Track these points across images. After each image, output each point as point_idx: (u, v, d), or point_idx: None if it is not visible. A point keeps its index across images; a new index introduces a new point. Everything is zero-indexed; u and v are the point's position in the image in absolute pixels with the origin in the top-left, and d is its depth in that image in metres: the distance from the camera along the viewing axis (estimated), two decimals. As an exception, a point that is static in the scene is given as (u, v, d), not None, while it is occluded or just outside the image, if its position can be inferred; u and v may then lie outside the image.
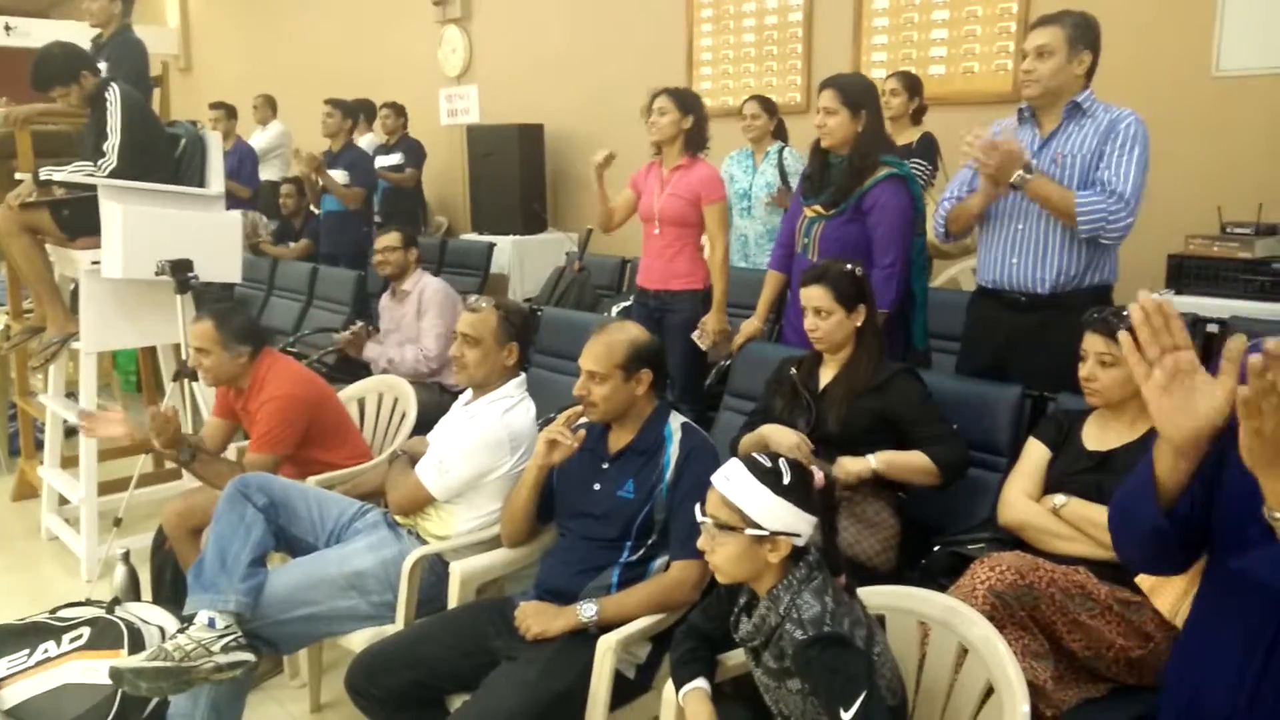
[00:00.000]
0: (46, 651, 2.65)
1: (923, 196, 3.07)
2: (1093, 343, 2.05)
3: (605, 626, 1.99)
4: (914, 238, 2.96)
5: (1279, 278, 3.14)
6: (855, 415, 2.34)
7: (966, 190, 2.81)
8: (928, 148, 4.07)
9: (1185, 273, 3.34)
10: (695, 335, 3.47)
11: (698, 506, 1.61)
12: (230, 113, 6.73)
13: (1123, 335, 1.10)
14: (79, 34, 4.10)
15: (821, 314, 2.39)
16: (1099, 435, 2.11)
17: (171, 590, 2.97)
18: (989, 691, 1.59)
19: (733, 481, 1.57)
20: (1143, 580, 1.31)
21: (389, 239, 3.99)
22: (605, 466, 2.20)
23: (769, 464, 1.56)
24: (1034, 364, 2.63)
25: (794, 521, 1.54)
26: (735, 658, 1.78)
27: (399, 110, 6.51)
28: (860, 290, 2.41)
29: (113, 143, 3.43)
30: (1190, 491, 1.18)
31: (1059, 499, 2.05)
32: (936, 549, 2.31)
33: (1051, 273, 2.62)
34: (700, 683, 1.68)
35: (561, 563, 2.18)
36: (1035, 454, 2.17)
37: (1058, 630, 1.84)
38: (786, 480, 1.55)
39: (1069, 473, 2.09)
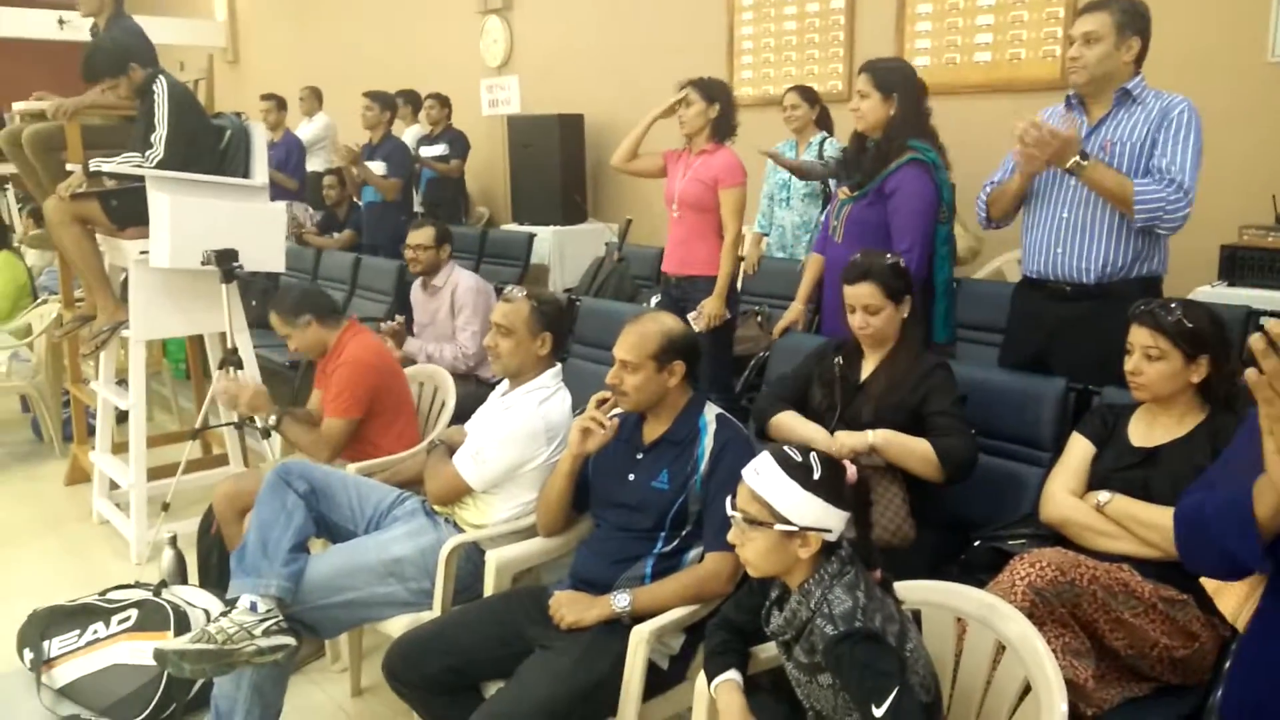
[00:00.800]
0: (96, 633, 2.73)
1: (951, 186, 3.00)
2: (1139, 335, 2.00)
3: (638, 617, 1.99)
4: (938, 226, 2.91)
5: (1336, 269, 3.05)
6: (890, 410, 2.31)
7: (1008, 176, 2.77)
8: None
9: (1239, 264, 3.25)
10: (692, 316, 3.46)
11: (729, 500, 1.60)
12: (280, 104, 6.83)
13: (1249, 372, 0.99)
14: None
15: (871, 310, 2.36)
16: (1145, 431, 2.06)
17: (217, 574, 3.03)
18: (1026, 689, 1.56)
19: (762, 476, 1.55)
20: (1207, 582, 1.27)
21: (421, 235, 3.99)
22: (640, 457, 2.20)
23: (799, 458, 1.55)
24: (1078, 357, 2.58)
25: (824, 517, 1.52)
26: (768, 650, 1.77)
27: (443, 101, 6.57)
28: (905, 281, 2.40)
29: (160, 134, 3.49)
30: None
31: (1103, 495, 2.01)
32: (976, 544, 2.29)
33: (1097, 263, 2.57)
34: (733, 674, 1.67)
35: (596, 553, 2.19)
36: (1079, 449, 2.13)
37: (1099, 628, 1.81)
38: (817, 475, 1.53)
39: (1114, 469, 2.05)
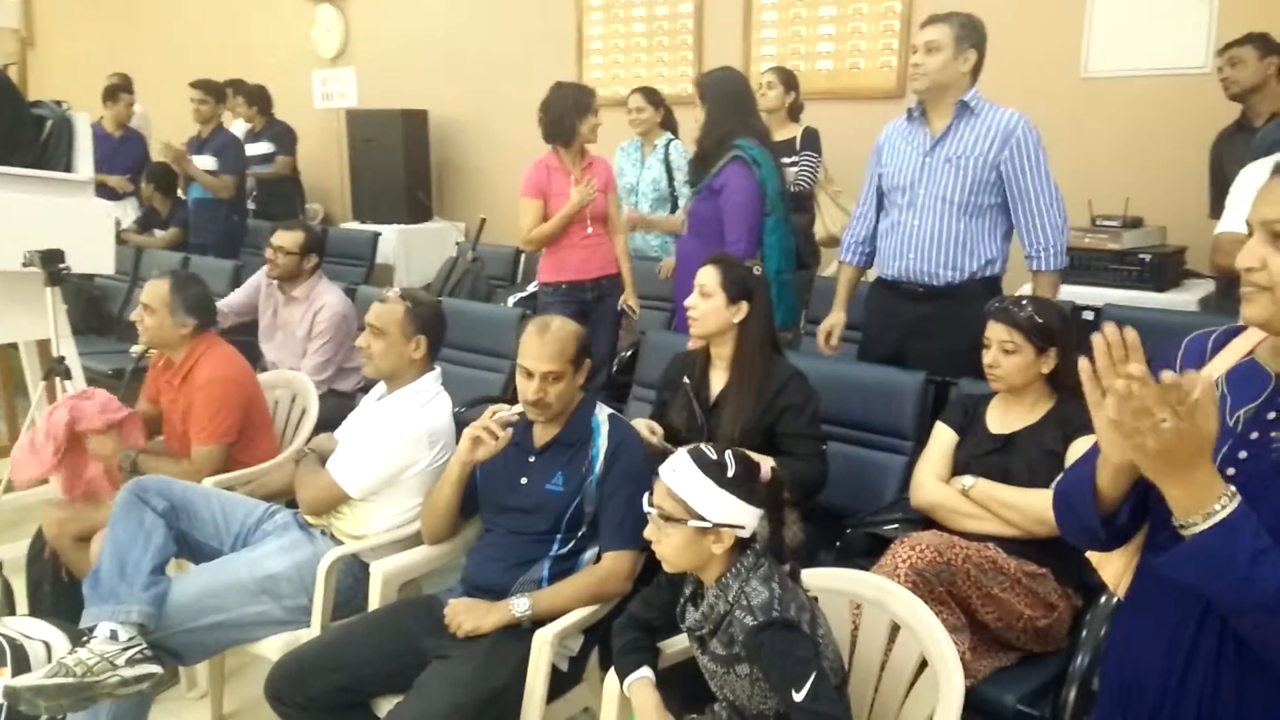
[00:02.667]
0: (-84, 674, 2.45)
1: (778, 178, 3.20)
2: (996, 331, 2.16)
3: (538, 621, 1.98)
4: (764, 218, 3.11)
5: (1144, 267, 3.38)
6: (745, 435, 2.30)
7: (869, 210, 2.94)
8: (813, 141, 4.18)
9: (1060, 263, 3.54)
10: (628, 310, 3.80)
11: (645, 497, 1.62)
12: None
13: (1082, 362, 1.07)
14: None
15: (703, 293, 2.37)
16: (1001, 418, 2.23)
17: (51, 602, 2.78)
18: (921, 666, 1.66)
19: (678, 473, 1.58)
20: (1092, 554, 1.38)
21: (287, 239, 3.63)
22: (532, 460, 2.17)
23: (714, 456, 1.58)
24: (931, 351, 2.76)
25: (738, 513, 1.56)
26: (675, 645, 1.80)
27: (253, 95, 6.13)
28: (745, 285, 2.37)
29: (-30, 123, 3.17)
30: (1130, 501, 1.22)
31: (968, 480, 2.15)
32: (850, 530, 2.41)
33: (949, 268, 2.76)
34: (645, 672, 1.70)
35: (489, 558, 2.16)
36: (943, 437, 2.28)
37: (973, 604, 1.95)
38: (731, 472, 1.57)
39: (975, 455, 2.20)
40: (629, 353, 3.92)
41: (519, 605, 2.00)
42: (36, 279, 3.24)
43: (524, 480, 2.16)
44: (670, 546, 1.59)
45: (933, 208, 2.74)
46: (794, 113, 4.28)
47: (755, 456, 1.70)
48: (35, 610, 2.84)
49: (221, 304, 3.74)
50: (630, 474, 2.07)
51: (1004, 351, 2.15)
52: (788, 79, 4.23)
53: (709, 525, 1.55)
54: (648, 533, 1.62)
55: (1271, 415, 1.14)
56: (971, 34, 2.69)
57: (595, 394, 2.26)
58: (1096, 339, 1.06)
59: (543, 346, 2.10)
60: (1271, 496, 1.09)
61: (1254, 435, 1.14)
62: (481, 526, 2.31)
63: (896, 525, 2.25)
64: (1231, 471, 1.13)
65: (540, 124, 3.67)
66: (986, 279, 2.78)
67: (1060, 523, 1.37)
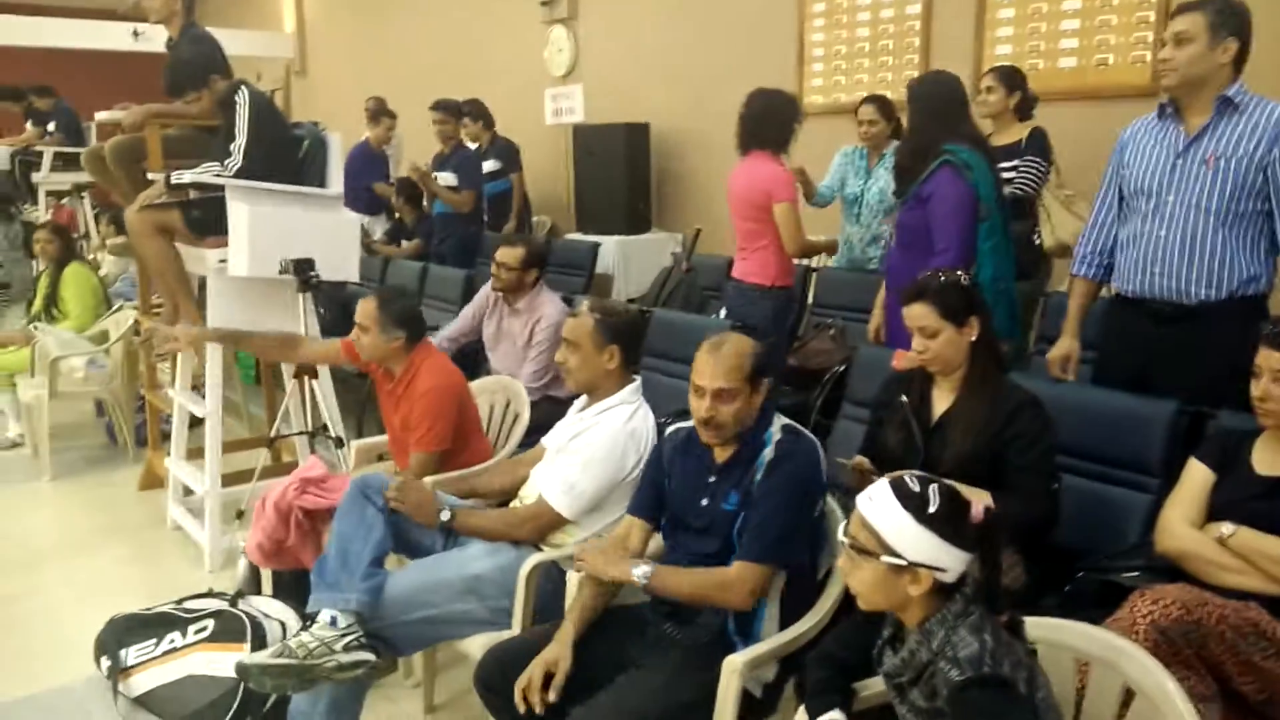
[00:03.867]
0: (173, 642, 2.72)
1: (993, 182, 2.99)
2: (1269, 359, 1.89)
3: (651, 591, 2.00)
4: (979, 224, 2.91)
5: None
6: (971, 461, 2.14)
7: (1109, 219, 2.66)
8: (1038, 143, 3.85)
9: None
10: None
11: (841, 526, 1.52)
12: (453, 112, 6.15)
13: None
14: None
15: (927, 332, 2.21)
16: (1272, 459, 1.94)
17: (291, 585, 3.02)
18: (1160, 739, 1.46)
19: (875, 503, 1.47)
20: None
21: (509, 255, 3.77)
22: (712, 479, 2.09)
23: (916, 488, 1.46)
24: (1179, 379, 2.45)
25: (938, 554, 1.43)
26: (872, 687, 1.68)
27: (475, 114, 6.30)
28: (969, 300, 2.21)
29: (239, 143, 3.51)
30: None
31: (1227, 527, 1.89)
32: (1081, 575, 2.18)
33: (1199, 285, 2.44)
34: (836, 715, 1.59)
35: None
36: (1198, 476, 2.01)
37: (1227, 671, 1.70)
38: (933, 509, 1.43)
39: (1237, 499, 1.93)
40: (842, 367, 3.78)
41: (639, 570, 1.99)
42: (291, 285, 3.55)
43: (704, 501, 2.08)
44: (861, 581, 1.48)
45: (1184, 216, 2.44)
46: (1023, 112, 3.96)
47: (968, 492, 1.55)
48: (277, 592, 3.09)
49: (440, 337, 3.95)
50: (786, 484, 1.96)
51: (1277, 382, 1.87)
52: (1010, 78, 3.92)
53: (904, 563, 1.43)
54: (840, 562, 1.52)
55: None
56: (1231, 20, 2.37)
57: (774, 408, 2.13)
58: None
59: (716, 363, 2.02)
60: None
61: None
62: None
63: (1138, 574, 2.00)
64: None
65: (760, 126, 3.61)
66: (1247, 298, 2.44)
67: None
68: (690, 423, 2.14)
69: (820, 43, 5.43)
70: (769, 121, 3.61)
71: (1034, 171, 3.77)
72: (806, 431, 2.10)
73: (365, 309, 2.96)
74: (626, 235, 6.22)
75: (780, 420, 2.10)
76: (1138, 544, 2.18)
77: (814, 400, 3.76)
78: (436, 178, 5.91)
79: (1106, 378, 2.69)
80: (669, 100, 6.36)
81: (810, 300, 4.49)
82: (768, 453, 2.02)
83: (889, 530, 1.45)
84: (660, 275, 5.11)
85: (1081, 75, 4.31)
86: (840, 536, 1.52)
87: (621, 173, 6.25)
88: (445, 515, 2.43)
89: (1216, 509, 1.96)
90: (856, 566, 1.49)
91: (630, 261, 6.14)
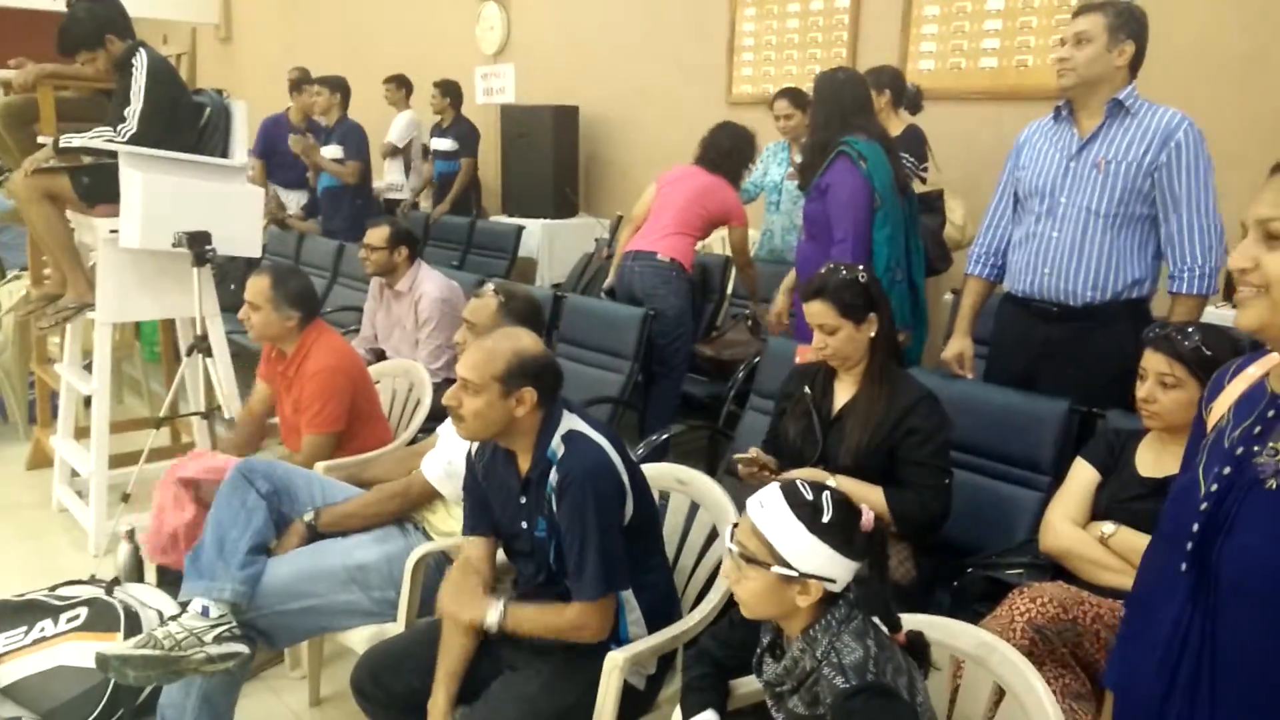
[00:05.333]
0: (43, 630, 2.59)
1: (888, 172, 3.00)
2: (1154, 361, 1.90)
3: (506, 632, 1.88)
4: (874, 214, 2.92)
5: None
6: (867, 454, 2.14)
7: (1003, 220, 2.68)
8: (908, 140, 3.88)
9: (1246, 285, 3.15)
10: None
11: (727, 530, 1.47)
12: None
13: None
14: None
15: (827, 329, 2.20)
16: (1154, 461, 1.96)
17: (177, 574, 2.89)
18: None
19: (766, 510, 1.41)
20: None
21: (375, 235, 3.71)
22: (523, 500, 1.94)
23: (809, 496, 1.41)
24: (1064, 378, 2.48)
25: (829, 565, 1.38)
26: (746, 686, 1.65)
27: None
28: (868, 297, 2.20)
29: (135, 108, 3.34)
30: None
31: (1108, 527, 1.91)
32: (969, 571, 2.19)
33: (1087, 286, 2.47)
34: (710, 715, 1.55)
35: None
36: (1083, 476, 2.03)
37: (1101, 669, 1.71)
38: (826, 518, 1.39)
39: (1120, 499, 1.95)
40: (758, 359, 3.77)
41: (492, 614, 1.87)
42: (188, 259, 3.40)
43: (522, 524, 1.94)
44: (749, 591, 1.42)
45: (1075, 218, 2.46)
46: (913, 109, 4.02)
47: (860, 491, 1.52)
48: (162, 580, 2.96)
49: (357, 344, 3.87)
50: (581, 508, 1.81)
51: (1162, 385, 1.89)
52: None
53: (795, 575, 1.38)
54: (725, 569, 1.46)
55: (1258, 430, 1.11)
56: (1129, 23, 2.39)
57: (556, 419, 1.91)
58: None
59: (471, 351, 1.89)
60: (1245, 511, 1.07)
61: (1239, 450, 1.12)
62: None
63: (1021, 571, 2.02)
64: (1214, 487, 1.11)
65: (724, 159, 3.91)
66: (1132, 301, 2.47)
67: None
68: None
69: (751, 33, 5.40)
70: (734, 157, 3.93)
71: (910, 169, 3.82)
72: (586, 430, 1.91)
73: (258, 286, 2.85)
74: (553, 219, 6.14)
75: (563, 428, 1.91)
76: (1025, 541, 2.20)
77: (727, 391, 3.74)
78: (321, 151, 5.85)
79: (996, 375, 2.71)
80: (599, 84, 6.28)
81: (729, 291, 4.47)
82: (553, 476, 1.86)
83: (780, 540, 1.39)
84: (581, 260, 5.04)
85: (1002, 75, 4.34)
86: (727, 544, 1.46)
87: (549, 156, 6.15)
88: (309, 516, 2.34)
89: (1100, 508, 1.98)
90: (744, 575, 1.43)
91: (555, 246, 6.06)
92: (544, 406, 1.90)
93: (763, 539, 1.40)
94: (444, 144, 6.33)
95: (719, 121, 4.04)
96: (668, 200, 3.91)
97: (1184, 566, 1.11)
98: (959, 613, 1.87)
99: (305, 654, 2.68)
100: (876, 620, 1.43)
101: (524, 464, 1.94)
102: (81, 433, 3.88)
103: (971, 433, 2.40)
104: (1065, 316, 2.51)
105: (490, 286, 2.45)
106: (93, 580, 2.79)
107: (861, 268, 2.25)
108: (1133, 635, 1.27)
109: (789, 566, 1.37)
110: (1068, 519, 1.98)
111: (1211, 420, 1.21)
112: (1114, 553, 1.88)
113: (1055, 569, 1.98)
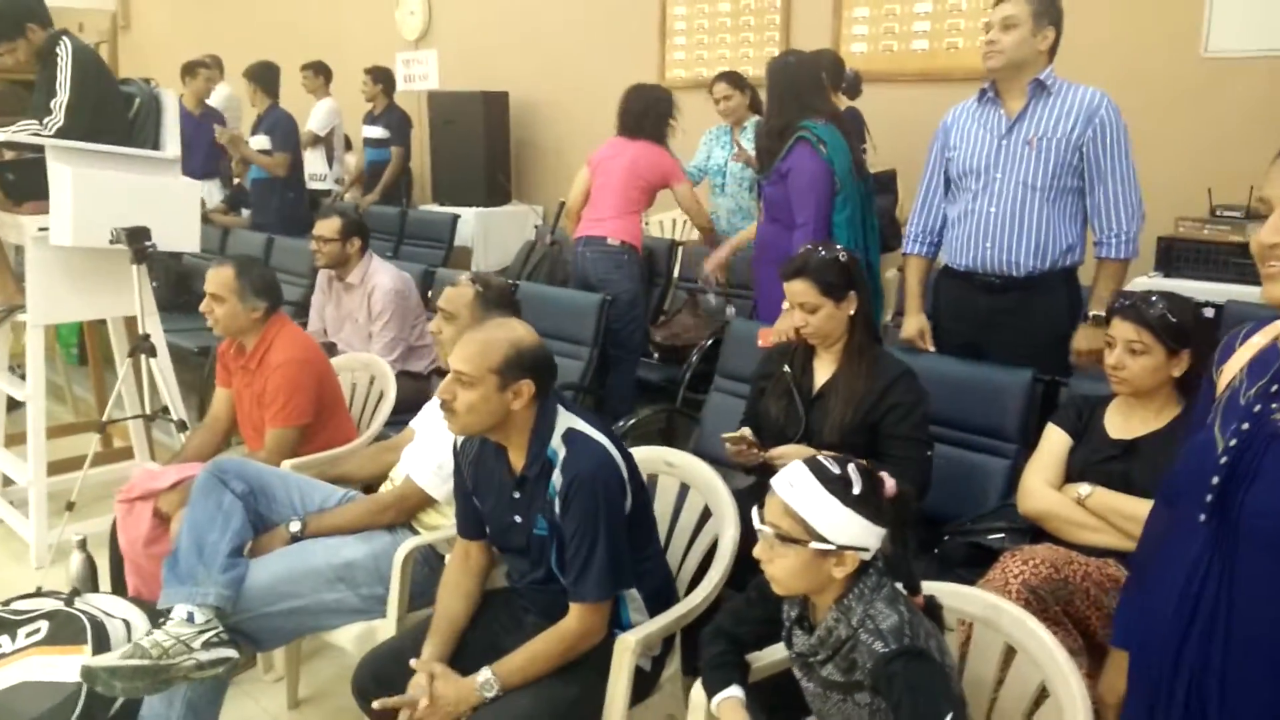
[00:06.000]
0: (1, 647, 2.47)
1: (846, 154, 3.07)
2: (1121, 329, 1.99)
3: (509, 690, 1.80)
4: (834, 197, 3.00)
5: (1271, 262, 3.13)
6: (852, 431, 2.19)
7: (936, 198, 2.78)
8: (852, 124, 3.97)
9: (1175, 256, 3.33)
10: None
11: (755, 511, 1.48)
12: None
13: None
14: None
15: (808, 308, 2.24)
16: (1122, 423, 2.06)
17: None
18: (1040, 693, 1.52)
19: (797, 489, 1.43)
20: None
21: (326, 227, 3.61)
22: (517, 495, 1.91)
23: (838, 470, 1.43)
24: (1011, 345, 2.61)
25: (864, 535, 1.42)
26: (763, 659, 1.69)
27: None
28: (848, 275, 2.25)
29: (61, 99, 3.18)
30: None
31: (1084, 488, 2.00)
32: (947, 538, 2.27)
33: (1028, 256, 2.58)
34: (735, 691, 1.58)
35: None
36: (1056, 441, 2.12)
37: (1092, 625, 1.80)
38: (858, 490, 1.42)
39: (1092, 461, 2.04)
40: (709, 341, 3.81)
41: (487, 686, 1.78)
42: (124, 256, 3.27)
43: (517, 518, 1.91)
44: (784, 569, 1.44)
45: (1013, 193, 2.58)
46: (851, 93, 4.15)
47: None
48: (115, 587, 2.85)
49: (312, 332, 3.77)
50: (590, 513, 1.79)
51: (1131, 352, 1.98)
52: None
53: (833, 548, 1.41)
54: (757, 551, 1.46)
55: (1275, 388, 1.17)
56: (1050, 10, 2.54)
57: (552, 415, 1.89)
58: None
59: (464, 344, 1.84)
60: (1267, 465, 1.13)
61: (1257, 408, 1.17)
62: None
63: (1002, 535, 2.10)
64: (1234, 442, 1.16)
65: (641, 121, 3.84)
66: (1067, 268, 2.62)
67: None
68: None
69: (682, 16, 5.43)
70: (649, 117, 3.84)
71: None
72: (586, 429, 1.88)
73: (221, 277, 2.74)
74: (485, 207, 6.07)
75: (561, 426, 1.88)
76: (999, 507, 2.28)
77: (682, 375, 3.78)
78: (249, 142, 5.67)
79: (943, 348, 2.80)
80: (529, 69, 6.22)
81: (676, 275, 4.50)
82: (557, 477, 1.83)
83: (815, 516, 1.41)
84: (524, 249, 5.01)
85: (933, 58, 4.47)
86: (758, 525, 1.47)
87: (480, 143, 6.09)
88: (295, 526, 2.28)
89: (1073, 471, 2.07)
90: (778, 554, 1.44)
91: (490, 234, 6.01)
92: (539, 400, 1.88)
93: (797, 517, 1.42)
94: (375, 131, 6.20)
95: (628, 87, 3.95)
96: (604, 181, 3.90)
97: (1203, 517, 1.17)
98: (943, 579, 1.93)
99: (280, 656, 2.63)
100: (898, 585, 1.48)
101: (517, 459, 1.91)
102: (10, 440, 3.71)
103: (939, 405, 2.46)
104: (1007, 287, 2.63)
105: (465, 276, 2.43)
106: (48, 593, 2.66)
107: (840, 247, 2.30)
108: (1144, 591, 1.34)
109: (826, 541, 1.40)
110: (1045, 482, 2.07)
111: (1223, 381, 1.27)
112: (1091, 512, 1.97)
113: (1034, 531, 2.06)
